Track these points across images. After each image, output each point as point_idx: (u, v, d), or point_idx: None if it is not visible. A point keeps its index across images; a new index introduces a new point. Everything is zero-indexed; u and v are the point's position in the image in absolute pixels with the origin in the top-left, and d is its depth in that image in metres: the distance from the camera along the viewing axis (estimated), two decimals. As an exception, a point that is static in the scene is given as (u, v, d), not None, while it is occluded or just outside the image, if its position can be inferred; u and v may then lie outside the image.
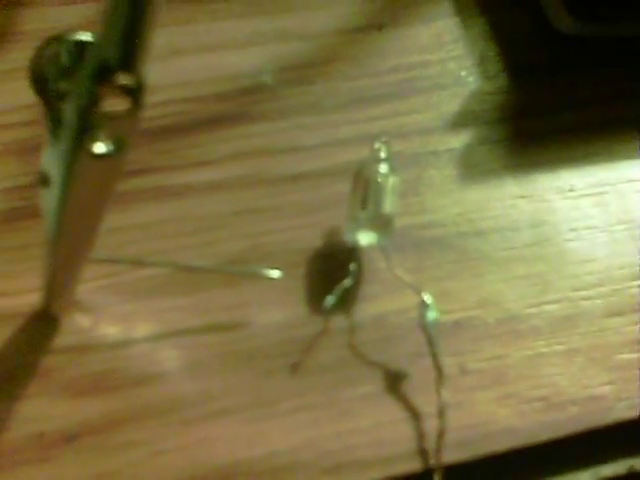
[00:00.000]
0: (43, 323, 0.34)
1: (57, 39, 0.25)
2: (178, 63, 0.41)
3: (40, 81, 0.26)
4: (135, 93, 0.24)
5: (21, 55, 0.41)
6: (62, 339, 0.34)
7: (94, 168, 0.26)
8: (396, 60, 0.42)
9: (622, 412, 0.33)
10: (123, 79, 0.24)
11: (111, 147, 0.25)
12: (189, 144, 0.39)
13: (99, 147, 0.25)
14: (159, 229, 0.36)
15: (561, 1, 0.42)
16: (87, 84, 0.24)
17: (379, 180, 0.35)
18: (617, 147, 0.40)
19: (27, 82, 0.39)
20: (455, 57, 0.43)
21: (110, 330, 0.34)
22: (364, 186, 0.35)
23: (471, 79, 0.42)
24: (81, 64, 0.24)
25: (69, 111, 0.25)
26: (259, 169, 0.39)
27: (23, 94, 0.40)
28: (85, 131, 0.25)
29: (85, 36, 0.25)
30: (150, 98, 0.40)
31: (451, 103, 0.41)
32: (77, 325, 0.34)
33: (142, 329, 0.34)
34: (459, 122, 0.41)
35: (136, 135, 0.26)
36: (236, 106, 0.40)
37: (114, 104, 0.24)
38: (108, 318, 0.34)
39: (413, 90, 0.41)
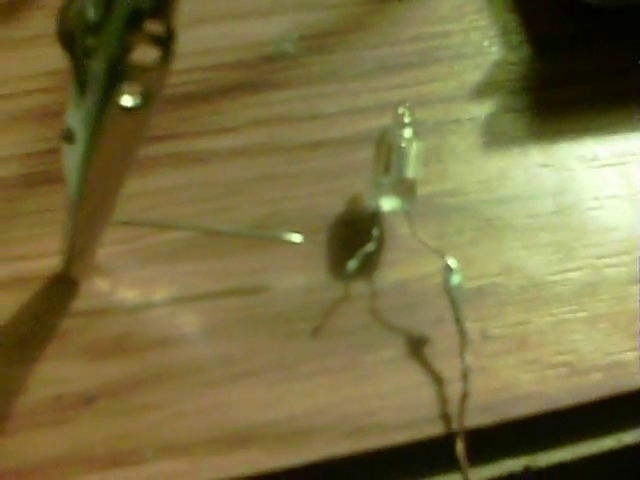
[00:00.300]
0: (63, 286, 0.34)
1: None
2: (201, 31, 0.41)
3: (67, 36, 0.25)
4: (166, 42, 0.24)
5: (41, 23, 0.41)
6: (81, 302, 0.34)
7: (122, 122, 0.26)
8: (418, 29, 0.42)
9: (646, 379, 0.33)
10: (155, 27, 0.24)
11: (139, 100, 0.25)
12: (211, 111, 0.39)
13: (128, 100, 0.24)
14: (180, 194, 0.36)
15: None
16: (117, 32, 0.24)
17: (403, 145, 0.35)
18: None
19: (47, 49, 0.39)
20: (477, 27, 0.42)
21: (129, 294, 0.34)
22: (387, 151, 0.35)
23: (494, 49, 0.42)
24: (109, 14, 0.24)
25: (98, 63, 0.24)
26: (280, 136, 0.38)
27: (43, 61, 0.40)
28: (114, 83, 0.25)
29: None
30: (173, 65, 0.40)
31: (473, 72, 0.41)
32: (96, 289, 0.34)
33: (162, 293, 0.34)
34: (481, 91, 0.40)
35: (164, 89, 0.26)
36: (258, 74, 0.40)
37: (143, 55, 0.24)
38: (127, 282, 0.34)
39: (435, 59, 0.41)
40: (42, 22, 0.41)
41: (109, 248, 0.34)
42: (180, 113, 0.38)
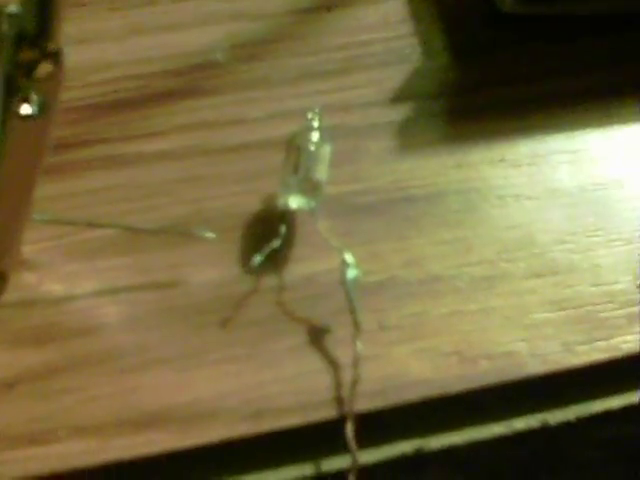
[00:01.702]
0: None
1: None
2: (135, 42, 0.44)
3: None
4: (54, 57, 0.27)
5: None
6: (7, 295, 0.36)
7: (22, 129, 0.29)
8: (343, 39, 0.44)
9: (535, 367, 0.35)
10: (42, 45, 0.26)
11: (36, 108, 0.27)
12: (140, 117, 0.41)
13: (26, 108, 0.27)
14: (107, 195, 0.39)
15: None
16: (9, 51, 0.27)
17: (311, 148, 0.37)
18: (550, 121, 0.42)
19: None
20: (400, 36, 0.45)
21: (54, 287, 0.37)
22: (296, 153, 0.37)
23: (415, 57, 0.44)
24: (2, 33, 0.27)
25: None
26: (206, 140, 0.41)
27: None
28: (12, 95, 0.28)
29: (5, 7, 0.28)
30: (105, 74, 0.43)
31: (394, 79, 0.43)
32: (23, 282, 0.36)
33: (85, 286, 0.37)
34: (400, 97, 0.42)
35: (59, 99, 0.28)
36: (187, 81, 0.43)
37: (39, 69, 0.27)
38: (53, 276, 0.37)
39: (358, 67, 0.43)
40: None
41: (37, 245, 0.37)
42: (110, 119, 0.41)
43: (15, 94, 0.28)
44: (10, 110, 0.28)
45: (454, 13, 0.45)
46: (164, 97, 0.42)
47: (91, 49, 0.43)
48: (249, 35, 0.44)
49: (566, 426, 0.35)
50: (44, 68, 0.27)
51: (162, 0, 0.45)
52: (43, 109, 0.28)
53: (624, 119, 0.42)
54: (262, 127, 0.41)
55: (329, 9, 0.46)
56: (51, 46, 0.26)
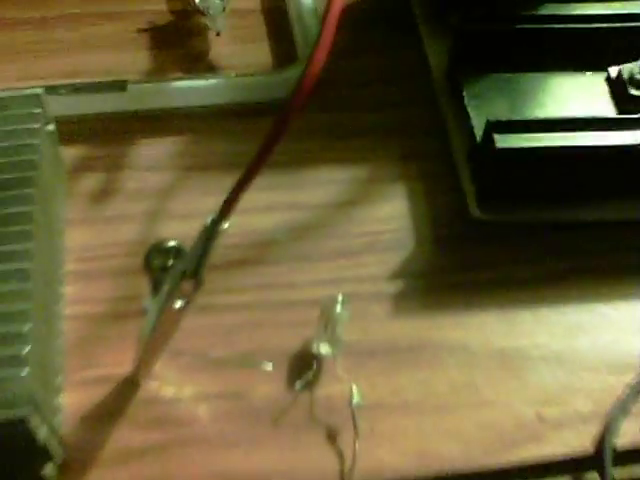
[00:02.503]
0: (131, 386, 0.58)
1: (159, 245, 0.49)
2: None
3: (150, 266, 0.50)
4: (197, 283, 0.48)
5: (122, 206, 0.65)
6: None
7: (172, 313, 0.50)
8: (362, 228, 0.65)
9: None
10: (192, 277, 0.47)
11: (182, 304, 0.49)
12: (221, 277, 0.63)
13: (178, 304, 0.49)
14: (197, 331, 0.60)
15: (473, 193, 0.65)
16: (174, 280, 0.48)
17: (335, 315, 0.58)
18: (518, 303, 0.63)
19: (126, 226, 0.63)
20: (400, 228, 0.65)
21: (167, 390, 0.58)
22: (326, 316, 0.59)
23: (410, 244, 0.65)
24: (173, 264, 0.48)
25: (165, 287, 0.48)
26: (267, 297, 0.62)
27: (121, 234, 0.64)
28: (172, 296, 0.49)
29: (175, 243, 0.49)
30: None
31: (395, 261, 0.64)
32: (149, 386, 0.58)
33: (185, 392, 0.58)
34: (399, 274, 0.64)
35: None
36: (256, 252, 0.64)
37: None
38: (166, 383, 0.58)
39: (370, 250, 0.64)
40: (122, 205, 0.65)
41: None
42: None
43: (174, 297, 0.49)
44: (170, 303, 0.49)
45: (439, 212, 0.67)
46: (240, 263, 0.64)
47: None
48: (299, 221, 0.66)
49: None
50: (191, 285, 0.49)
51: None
52: (184, 307, 0.50)
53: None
54: (306, 290, 0.62)
55: (353, 203, 0.67)
56: (198, 279, 0.47)
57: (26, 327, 0.45)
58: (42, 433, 0.46)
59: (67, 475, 0.53)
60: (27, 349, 0.44)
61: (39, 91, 0.56)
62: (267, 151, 0.43)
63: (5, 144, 0.52)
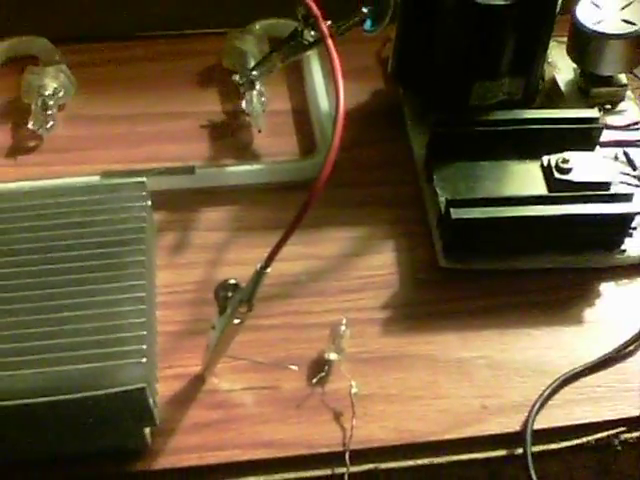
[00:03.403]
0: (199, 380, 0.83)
1: (224, 283, 0.75)
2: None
3: (217, 297, 0.76)
4: (249, 308, 0.74)
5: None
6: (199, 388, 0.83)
7: (232, 329, 0.76)
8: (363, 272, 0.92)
9: None
10: (246, 304, 0.73)
11: (238, 322, 0.75)
12: (264, 307, 0.89)
13: (237, 321, 0.75)
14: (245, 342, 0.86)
15: (440, 249, 0.91)
16: (234, 303, 0.74)
17: (340, 335, 0.85)
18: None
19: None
20: (390, 274, 0.92)
21: (222, 383, 0.84)
22: (333, 336, 0.85)
23: (394, 287, 0.91)
24: (233, 295, 0.74)
25: (228, 310, 0.75)
26: (290, 320, 0.88)
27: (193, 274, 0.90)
28: (232, 317, 0.75)
29: (234, 281, 0.75)
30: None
31: (385, 298, 0.90)
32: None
33: (233, 384, 0.84)
34: (389, 305, 0.89)
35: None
36: (282, 289, 0.90)
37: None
38: (220, 378, 0.84)
39: (368, 289, 0.91)
40: (193, 255, 0.92)
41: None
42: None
43: (234, 318, 0.75)
44: (231, 320, 0.75)
45: (417, 262, 0.92)
46: (275, 296, 0.89)
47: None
48: (316, 267, 0.92)
49: None
50: (245, 309, 0.74)
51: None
52: (240, 323, 0.76)
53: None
54: (320, 316, 0.88)
55: (355, 255, 0.93)
56: (249, 304, 0.73)
57: (143, 332, 0.71)
58: (150, 402, 0.71)
59: (160, 437, 0.74)
60: (145, 346, 0.71)
61: (144, 179, 0.83)
62: (301, 218, 0.67)
63: (124, 216, 0.79)
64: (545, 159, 0.92)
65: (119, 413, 0.68)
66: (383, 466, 0.78)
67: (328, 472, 0.76)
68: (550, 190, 0.91)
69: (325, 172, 0.67)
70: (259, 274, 0.68)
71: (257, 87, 1.00)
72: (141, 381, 0.68)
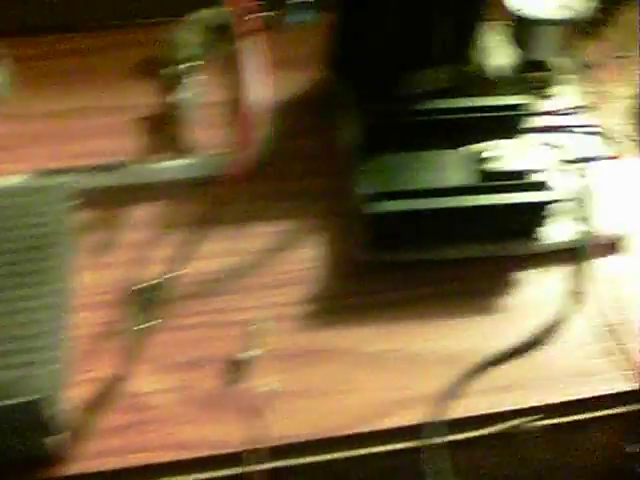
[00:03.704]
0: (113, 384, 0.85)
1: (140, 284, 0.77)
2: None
3: (132, 299, 0.77)
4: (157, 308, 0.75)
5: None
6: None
7: (148, 328, 0.78)
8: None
9: None
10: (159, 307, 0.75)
11: (155, 322, 0.76)
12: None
13: (152, 322, 0.76)
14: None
15: (361, 239, 0.91)
16: (146, 305, 0.76)
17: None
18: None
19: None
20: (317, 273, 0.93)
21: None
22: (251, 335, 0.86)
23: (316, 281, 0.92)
24: (148, 296, 0.76)
25: (142, 311, 0.76)
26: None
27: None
28: (143, 319, 0.76)
29: (153, 282, 0.77)
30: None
31: (305, 292, 0.92)
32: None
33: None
34: (309, 299, 0.91)
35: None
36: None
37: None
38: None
39: (290, 284, 0.92)
40: (114, 255, 0.94)
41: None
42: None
43: (145, 321, 0.77)
44: (147, 323, 0.77)
45: (339, 256, 0.93)
46: (197, 295, 0.91)
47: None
48: (239, 263, 0.93)
49: None
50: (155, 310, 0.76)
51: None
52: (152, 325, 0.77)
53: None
54: (243, 312, 0.89)
55: (280, 250, 0.94)
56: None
57: (51, 340, 0.73)
58: (53, 411, 0.67)
59: (76, 443, 0.74)
60: (53, 354, 0.72)
61: (69, 180, 0.84)
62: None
63: (43, 220, 0.81)
64: (470, 148, 0.93)
65: (22, 423, 0.69)
66: (300, 461, 0.80)
67: (247, 469, 0.77)
68: (477, 180, 0.92)
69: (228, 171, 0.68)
70: (165, 281, 0.70)
71: (193, 78, 1.00)
72: (44, 391, 0.69)
